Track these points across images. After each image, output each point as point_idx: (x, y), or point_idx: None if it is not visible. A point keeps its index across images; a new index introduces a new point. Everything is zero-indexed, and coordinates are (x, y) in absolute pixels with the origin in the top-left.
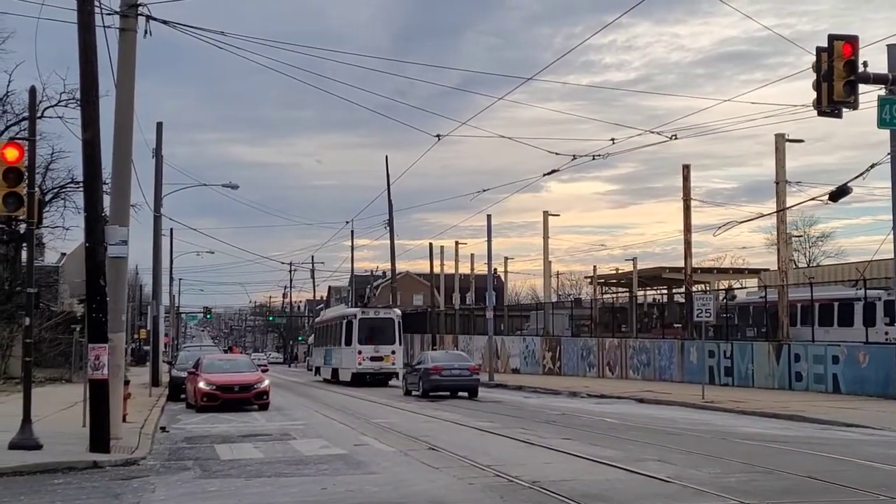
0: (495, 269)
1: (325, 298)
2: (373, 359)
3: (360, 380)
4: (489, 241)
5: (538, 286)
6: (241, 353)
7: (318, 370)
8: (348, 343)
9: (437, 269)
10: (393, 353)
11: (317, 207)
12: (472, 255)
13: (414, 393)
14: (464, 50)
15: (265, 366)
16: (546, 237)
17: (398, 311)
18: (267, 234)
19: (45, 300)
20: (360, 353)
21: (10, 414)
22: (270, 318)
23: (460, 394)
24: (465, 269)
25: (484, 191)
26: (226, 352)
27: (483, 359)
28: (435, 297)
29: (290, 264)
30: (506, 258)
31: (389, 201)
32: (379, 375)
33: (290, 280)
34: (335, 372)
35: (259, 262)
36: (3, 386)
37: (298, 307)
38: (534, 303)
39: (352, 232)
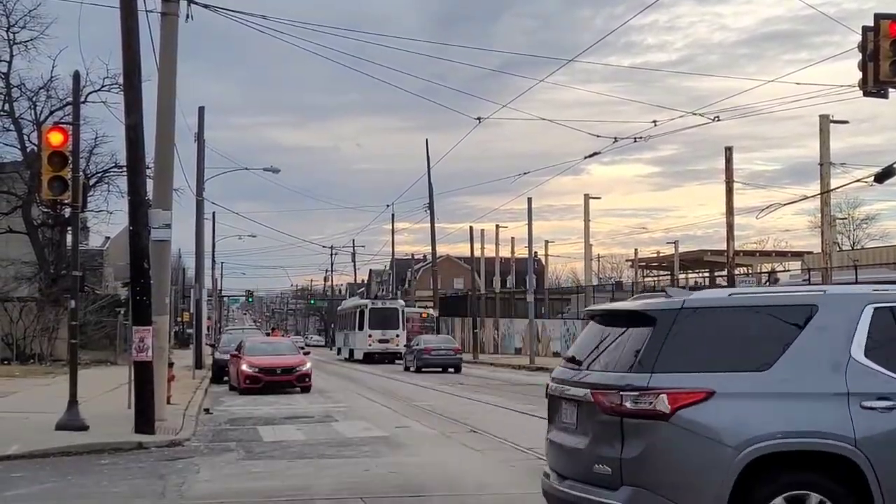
0: (536, 253)
1: (365, 282)
2: (381, 341)
3: (370, 358)
4: (530, 224)
5: (579, 269)
6: (283, 336)
7: (339, 350)
8: (361, 328)
9: (477, 253)
10: (397, 336)
11: (358, 191)
12: (512, 238)
13: (411, 369)
14: (503, 33)
15: (305, 349)
16: (587, 220)
17: (402, 302)
18: (308, 217)
19: (89, 283)
20: (370, 336)
21: (57, 395)
22: (312, 302)
23: (449, 370)
24: (505, 252)
25: (524, 174)
26: (268, 335)
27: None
28: (475, 281)
29: (331, 248)
30: (546, 241)
31: (430, 184)
32: (386, 355)
33: (331, 263)
34: (351, 352)
35: (300, 245)
36: (50, 368)
37: (339, 290)
38: (574, 286)
39: (392, 215)
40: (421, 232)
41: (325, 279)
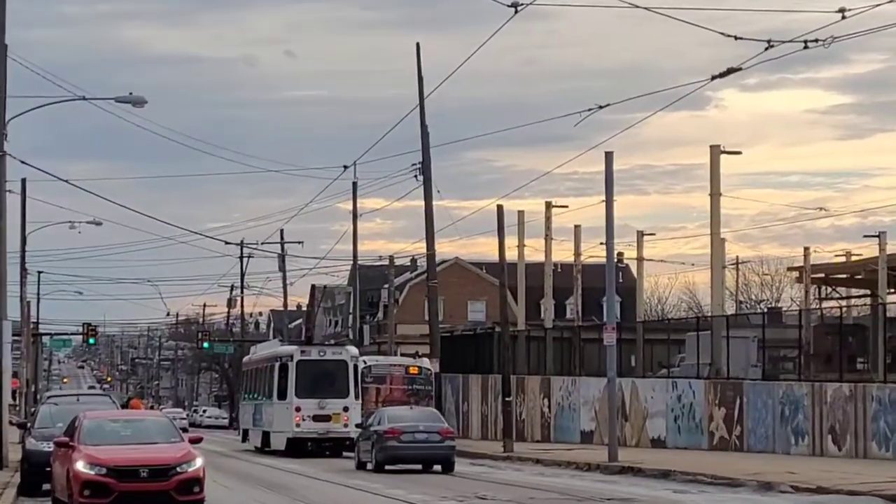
0: (620, 256)
1: (304, 307)
2: (316, 418)
3: (299, 448)
4: (609, 200)
5: (700, 285)
6: (151, 408)
7: (245, 434)
8: (282, 396)
9: (510, 255)
10: (346, 409)
11: (290, 141)
12: (575, 227)
13: (369, 466)
14: None
15: (188, 429)
16: (716, 193)
17: (353, 351)
18: (201, 190)
19: None
20: (298, 409)
21: None
22: (206, 347)
23: (435, 467)
24: (563, 254)
25: (600, 107)
26: (124, 406)
27: (596, 418)
28: (507, 306)
29: (241, 245)
30: (640, 233)
31: (423, 128)
32: (325, 441)
33: (241, 275)
34: (266, 437)
35: (186, 240)
36: None
37: (257, 325)
38: (692, 316)
39: (354, 186)
40: (407, 216)
41: (231, 303)
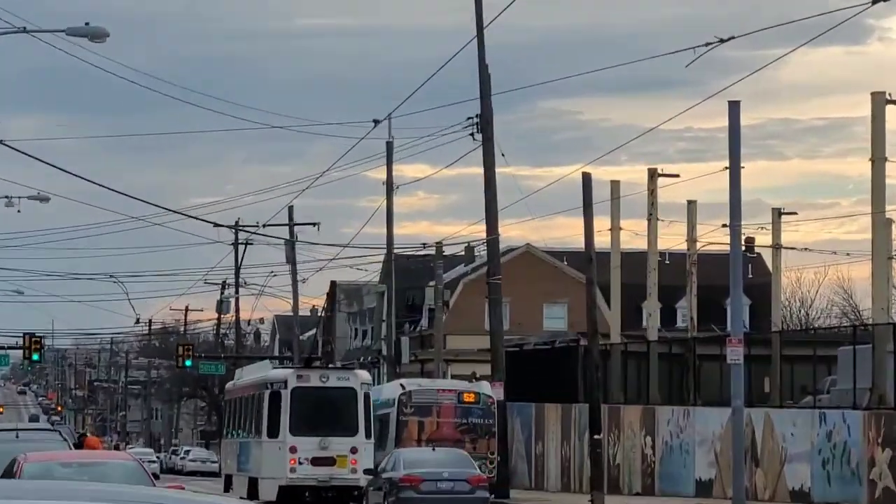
0: (750, 241)
1: (321, 312)
2: (316, 461)
3: (294, 498)
4: (735, 167)
5: (858, 282)
6: (111, 446)
7: (228, 481)
8: (273, 432)
9: (601, 241)
10: (353, 451)
11: (301, 87)
12: (688, 203)
13: None
14: None
15: (174, 484)
16: (880, 158)
17: (364, 376)
18: (179, 153)
19: None
20: (293, 450)
21: None
22: (188, 365)
23: None
24: (671, 239)
25: (721, 41)
26: (77, 445)
27: (717, 463)
28: (597, 311)
29: (236, 228)
30: (777, 211)
31: (482, 69)
32: (327, 491)
33: (237, 268)
34: (253, 485)
35: (161, 220)
36: None
37: (258, 334)
38: (846, 324)
39: (388, 148)
40: (460, 187)
41: (223, 306)
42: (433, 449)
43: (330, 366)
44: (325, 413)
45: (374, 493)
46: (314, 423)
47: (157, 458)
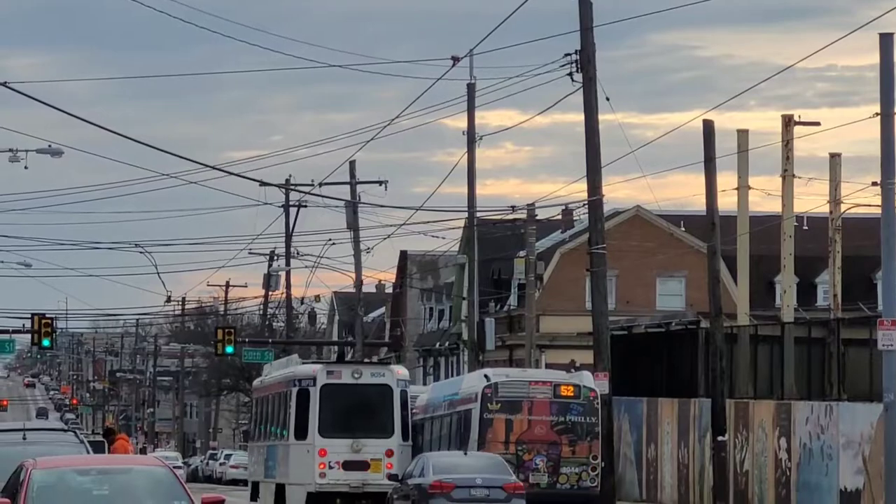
0: None
1: (390, 285)
2: (348, 465)
3: None
4: (888, 112)
5: None
6: (143, 450)
7: (255, 489)
8: (301, 434)
9: (726, 203)
10: (389, 454)
11: (360, 18)
12: (831, 157)
13: None
14: None
15: (212, 496)
16: None
17: (401, 373)
18: (214, 97)
19: None
20: (322, 453)
21: None
22: (230, 352)
23: None
24: (810, 201)
25: None
26: (98, 445)
27: (865, 470)
28: (721, 287)
29: (287, 187)
30: None
31: None
32: (361, 498)
33: (288, 236)
34: (280, 492)
35: (195, 178)
36: None
37: (312, 314)
38: None
39: (469, 91)
40: (556, 138)
41: (271, 282)
42: (465, 453)
43: (364, 361)
44: (357, 413)
45: (399, 502)
46: (346, 424)
47: (185, 462)
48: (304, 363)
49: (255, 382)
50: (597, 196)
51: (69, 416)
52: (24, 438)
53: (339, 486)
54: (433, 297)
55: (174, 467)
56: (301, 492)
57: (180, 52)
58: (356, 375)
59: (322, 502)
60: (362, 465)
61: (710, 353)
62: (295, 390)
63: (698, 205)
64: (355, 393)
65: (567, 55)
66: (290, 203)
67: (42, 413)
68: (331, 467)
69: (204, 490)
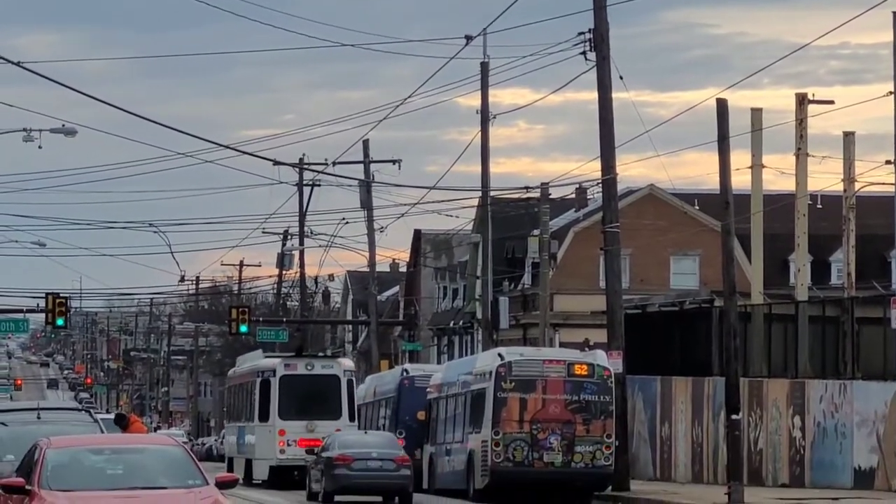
0: None
1: (404, 264)
2: (304, 443)
3: (284, 477)
4: None
5: None
6: (157, 429)
7: (230, 463)
8: (264, 417)
9: (739, 182)
10: (338, 431)
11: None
12: (845, 135)
13: (320, 497)
14: None
15: (226, 475)
16: None
17: (347, 364)
18: (227, 76)
19: None
20: (281, 432)
21: None
22: (244, 331)
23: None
24: (823, 180)
25: None
26: (116, 423)
27: (879, 448)
28: (735, 265)
29: (301, 166)
30: None
31: None
32: None
33: (302, 214)
34: (248, 466)
35: (209, 157)
36: None
37: (326, 293)
38: None
39: (483, 70)
40: (570, 117)
41: (284, 261)
42: (365, 432)
43: (316, 354)
44: (311, 399)
45: (314, 471)
46: (301, 408)
47: (191, 438)
48: (266, 356)
49: (229, 373)
50: (610, 175)
51: (83, 395)
52: (39, 418)
53: (297, 460)
54: (447, 276)
55: (175, 434)
56: (265, 465)
57: (193, 31)
58: (309, 367)
59: (282, 474)
60: (316, 443)
61: (723, 332)
62: (258, 380)
63: (712, 183)
64: (309, 382)
65: (580, 34)
66: (304, 182)
67: (52, 384)
68: (289, 445)
69: (218, 469)
